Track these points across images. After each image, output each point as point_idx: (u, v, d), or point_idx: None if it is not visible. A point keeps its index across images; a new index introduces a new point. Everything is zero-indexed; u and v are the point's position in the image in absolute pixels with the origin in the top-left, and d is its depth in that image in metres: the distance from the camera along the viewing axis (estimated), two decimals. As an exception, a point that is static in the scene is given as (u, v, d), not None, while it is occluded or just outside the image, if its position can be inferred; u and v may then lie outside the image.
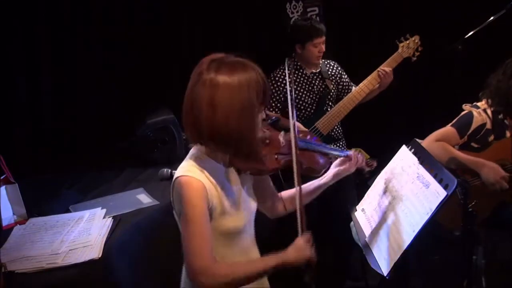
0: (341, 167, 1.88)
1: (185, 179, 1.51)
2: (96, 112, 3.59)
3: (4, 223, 2.41)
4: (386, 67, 3.15)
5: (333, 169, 1.88)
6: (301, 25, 3.19)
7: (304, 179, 1.75)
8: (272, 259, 1.57)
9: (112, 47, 3.62)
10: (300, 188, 1.65)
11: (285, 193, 1.86)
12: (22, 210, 2.52)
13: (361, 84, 3.18)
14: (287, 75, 1.67)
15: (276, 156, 1.70)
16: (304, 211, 1.61)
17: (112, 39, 3.62)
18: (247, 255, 1.70)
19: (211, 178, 1.55)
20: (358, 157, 1.87)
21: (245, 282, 1.54)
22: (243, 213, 1.65)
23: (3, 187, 2.46)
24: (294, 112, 1.66)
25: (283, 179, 1.78)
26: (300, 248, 1.61)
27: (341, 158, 1.88)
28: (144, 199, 2.73)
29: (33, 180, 3.00)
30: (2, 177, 2.48)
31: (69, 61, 3.57)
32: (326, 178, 1.88)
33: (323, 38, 3.13)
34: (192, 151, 1.63)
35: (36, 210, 2.60)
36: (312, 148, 1.89)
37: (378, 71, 3.15)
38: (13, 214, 2.50)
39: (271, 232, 2.69)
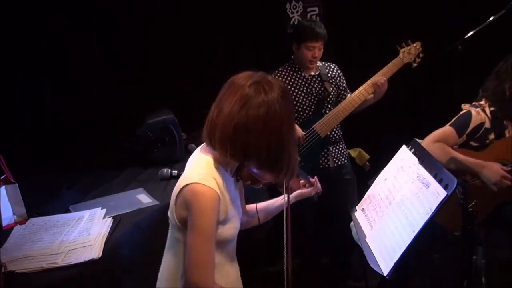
0: (304, 190, 2.02)
1: (200, 188, 1.52)
2: (96, 112, 3.59)
3: (4, 223, 2.41)
4: (380, 77, 3.13)
5: (298, 191, 2.01)
6: (302, 24, 3.19)
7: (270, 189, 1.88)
8: None
9: (112, 47, 3.63)
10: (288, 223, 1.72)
11: (260, 205, 1.95)
12: (22, 210, 2.52)
13: (356, 92, 3.16)
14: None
15: None
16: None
17: (112, 39, 3.62)
18: (233, 262, 1.76)
19: (222, 187, 1.57)
20: (318, 185, 2.04)
21: None
22: (239, 222, 1.69)
23: (3, 187, 2.46)
24: None
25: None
26: None
27: (307, 182, 2.03)
28: (144, 199, 2.73)
29: (33, 180, 3.00)
30: (2, 177, 2.48)
31: (69, 61, 3.57)
32: (292, 196, 1.95)
33: (319, 43, 3.09)
34: (201, 155, 1.64)
35: (36, 210, 2.60)
36: None
37: (373, 81, 3.13)
38: (13, 214, 2.50)
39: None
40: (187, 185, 1.53)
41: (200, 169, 1.59)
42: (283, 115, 1.52)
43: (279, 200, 1.96)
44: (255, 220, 1.95)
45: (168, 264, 1.72)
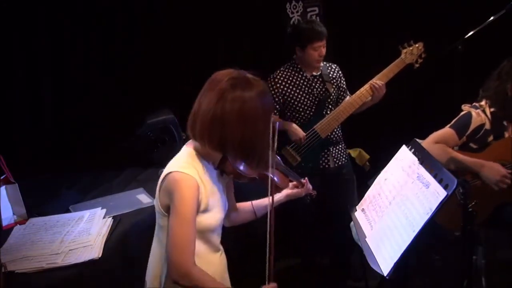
0: (294, 191, 2.09)
1: (180, 175, 1.62)
2: (96, 112, 3.59)
3: (4, 223, 2.41)
4: (378, 81, 3.12)
5: (287, 190, 2.07)
6: (302, 28, 3.16)
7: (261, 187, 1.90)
8: None
9: (112, 47, 3.63)
10: (272, 235, 1.72)
11: (256, 202, 2.01)
12: (22, 210, 2.52)
13: (357, 92, 3.15)
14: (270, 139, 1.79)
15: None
16: (273, 259, 1.70)
17: (112, 39, 3.62)
18: (217, 252, 1.82)
19: (202, 176, 1.67)
20: (308, 185, 2.10)
21: None
22: (221, 212, 1.77)
23: (3, 187, 2.47)
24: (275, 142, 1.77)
25: None
26: None
27: (296, 182, 2.09)
28: (144, 199, 2.73)
29: (33, 180, 3.00)
30: (2, 177, 2.48)
31: (69, 61, 3.57)
32: (279, 196, 2.04)
33: (323, 41, 3.10)
34: (185, 148, 1.75)
35: (36, 210, 2.60)
36: (281, 169, 2.10)
37: (371, 84, 3.13)
38: (13, 214, 2.51)
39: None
40: (168, 173, 1.64)
41: (181, 159, 1.70)
42: (259, 113, 1.61)
43: (264, 200, 2.00)
44: (251, 215, 2.01)
45: (153, 251, 1.82)
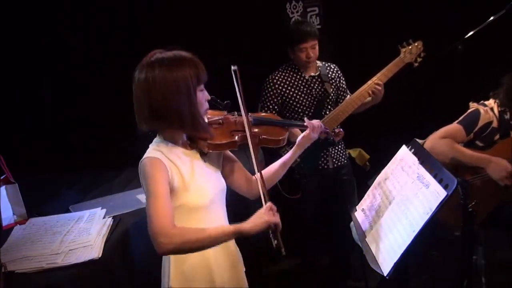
0: (301, 136, 2.06)
1: (145, 160, 1.73)
2: (96, 112, 3.59)
3: (4, 223, 2.42)
4: (377, 82, 3.11)
5: (299, 137, 2.05)
6: (289, 29, 3.15)
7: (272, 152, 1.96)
8: (229, 227, 1.68)
9: (112, 47, 3.63)
10: (257, 160, 1.80)
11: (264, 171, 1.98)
12: (22, 210, 2.52)
13: (356, 92, 3.14)
14: (235, 84, 1.86)
15: (231, 133, 1.92)
16: (264, 184, 1.79)
17: (112, 39, 3.62)
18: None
19: (169, 156, 1.75)
20: (313, 123, 2.05)
21: (199, 245, 1.64)
22: (209, 189, 1.81)
23: (3, 187, 2.47)
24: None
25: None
26: (259, 215, 1.68)
27: (298, 128, 2.09)
28: (144, 199, 2.72)
29: (33, 180, 3.00)
30: (2, 177, 2.48)
31: (69, 61, 3.57)
32: (291, 150, 2.04)
33: (311, 43, 3.04)
34: (155, 139, 1.84)
35: (36, 210, 2.60)
36: (267, 121, 2.10)
37: (371, 87, 3.12)
38: (13, 214, 2.51)
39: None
40: (140, 164, 1.75)
41: (148, 149, 1.81)
42: (166, 81, 1.68)
43: (276, 163, 2.01)
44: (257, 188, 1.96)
45: None
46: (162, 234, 1.57)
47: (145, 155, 1.76)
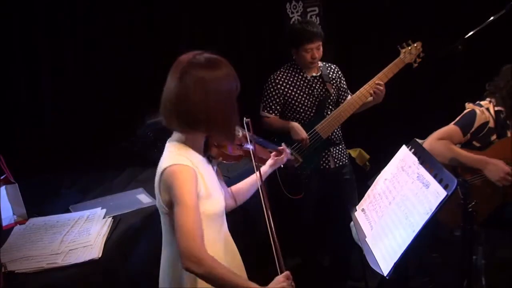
0: (275, 159, 2.14)
1: (175, 167, 1.65)
2: (96, 112, 3.58)
3: (4, 223, 2.41)
4: (378, 82, 3.11)
5: (270, 160, 2.14)
6: (294, 29, 3.14)
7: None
8: (254, 285, 1.64)
9: (112, 47, 3.62)
10: (270, 216, 1.77)
11: (234, 188, 2.05)
12: (22, 210, 2.52)
13: (357, 92, 3.14)
14: (247, 133, 1.97)
15: (238, 147, 1.99)
16: (280, 250, 1.74)
17: (112, 39, 3.62)
18: (228, 240, 1.89)
19: (195, 163, 1.70)
20: (287, 150, 2.17)
21: (220, 284, 1.60)
22: (222, 195, 1.82)
23: (3, 187, 2.47)
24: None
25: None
26: (277, 283, 1.67)
27: (276, 151, 2.16)
28: (144, 199, 2.73)
29: (33, 180, 3.00)
30: (2, 177, 2.48)
31: (69, 61, 3.56)
32: (264, 168, 2.10)
33: (316, 43, 3.06)
34: (169, 144, 1.79)
35: (36, 210, 2.60)
36: (259, 142, 2.19)
37: (372, 87, 3.11)
38: (13, 214, 2.50)
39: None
40: (164, 170, 1.66)
41: (170, 153, 1.73)
42: (222, 89, 1.66)
43: (251, 178, 2.06)
44: (232, 202, 2.03)
45: (163, 254, 1.82)
46: (193, 257, 1.56)
47: (173, 161, 1.67)
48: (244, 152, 1.98)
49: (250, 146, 1.95)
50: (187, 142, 1.75)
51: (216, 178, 1.85)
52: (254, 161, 1.92)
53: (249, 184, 2.05)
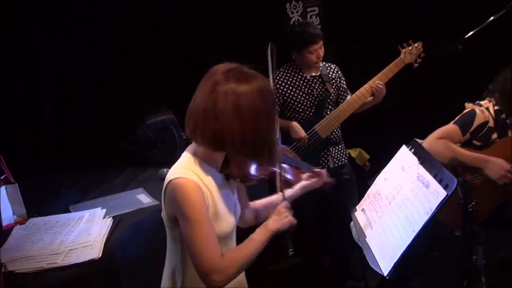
0: (309, 182, 1.98)
1: (180, 181, 1.52)
2: (96, 112, 3.59)
3: (4, 223, 2.41)
4: (378, 82, 3.12)
5: (302, 182, 1.98)
6: (295, 32, 3.14)
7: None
8: (263, 233, 1.64)
9: (112, 47, 3.63)
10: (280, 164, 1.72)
11: (258, 203, 1.93)
12: (22, 210, 2.52)
13: (357, 92, 3.15)
14: (269, 61, 1.84)
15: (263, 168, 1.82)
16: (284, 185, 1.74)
17: (112, 39, 3.62)
18: None
19: (204, 180, 1.58)
20: (323, 174, 1.98)
21: (249, 262, 1.60)
22: (233, 218, 1.70)
23: (3, 187, 2.47)
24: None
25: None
26: (282, 214, 1.68)
27: (310, 173, 1.99)
28: (144, 199, 2.73)
29: (33, 180, 3.00)
30: (2, 177, 2.48)
31: (69, 61, 3.57)
32: (292, 191, 1.95)
33: (319, 44, 3.07)
34: (184, 154, 1.65)
35: (36, 210, 2.60)
36: (289, 162, 2.02)
37: (372, 86, 3.12)
38: (13, 214, 2.51)
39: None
40: (169, 183, 1.55)
41: (180, 165, 1.61)
42: (257, 108, 1.51)
43: (276, 197, 1.92)
44: (252, 218, 1.93)
45: (166, 265, 1.76)
46: (215, 272, 1.50)
47: (179, 174, 1.54)
48: (270, 176, 1.81)
49: (277, 169, 1.76)
50: (202, 155, 1.62)
51: (232, 196, 1.72)
52: (280, 186, 1.78)
53: (275, 204, 1.84)
